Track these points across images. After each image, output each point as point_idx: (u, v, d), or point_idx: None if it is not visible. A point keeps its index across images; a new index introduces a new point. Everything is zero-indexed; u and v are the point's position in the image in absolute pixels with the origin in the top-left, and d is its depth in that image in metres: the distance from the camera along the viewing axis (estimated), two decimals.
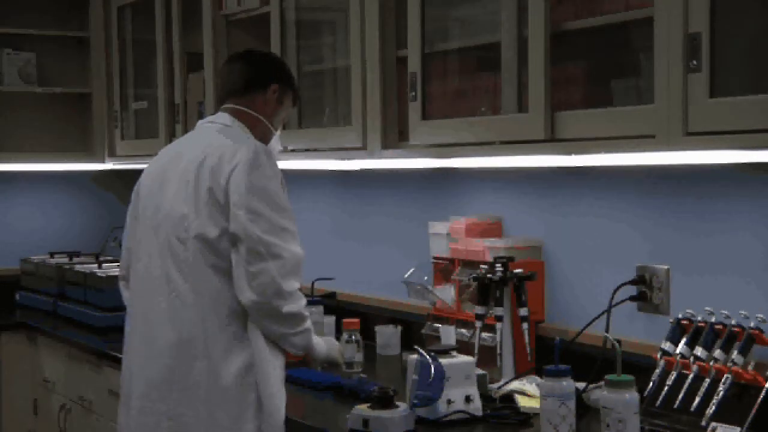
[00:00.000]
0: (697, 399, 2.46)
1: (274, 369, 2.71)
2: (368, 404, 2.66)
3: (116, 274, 3.63)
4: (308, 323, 2.74)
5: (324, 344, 2.88)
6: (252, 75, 2.88)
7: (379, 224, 3.94)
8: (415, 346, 2.76)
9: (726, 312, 2.53)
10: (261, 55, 3.01)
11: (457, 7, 3.26)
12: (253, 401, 2.67)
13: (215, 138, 2.77)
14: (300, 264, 2.68)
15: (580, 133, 2.61)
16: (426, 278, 3.24)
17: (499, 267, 2.99)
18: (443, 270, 3.37)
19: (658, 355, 2.60)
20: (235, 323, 2.67)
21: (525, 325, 2.98)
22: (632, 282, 2.85)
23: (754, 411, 2.36)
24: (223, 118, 2.84)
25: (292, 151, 3.79)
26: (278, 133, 2.97)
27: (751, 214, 2.61)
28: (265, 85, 2.87)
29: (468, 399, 2.68)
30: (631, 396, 2.31)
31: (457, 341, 2.96)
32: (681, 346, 2.57)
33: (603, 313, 2.79)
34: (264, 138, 2.85)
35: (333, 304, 3.91)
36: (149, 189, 2.84)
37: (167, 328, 2.70)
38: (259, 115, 2.86)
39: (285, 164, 3.98)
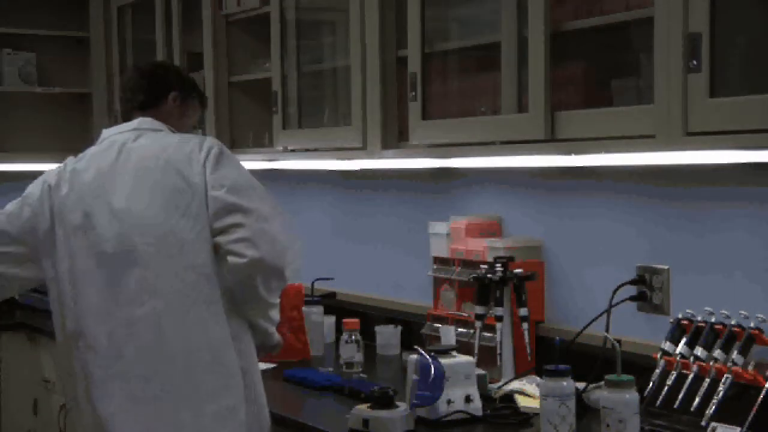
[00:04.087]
0: (697, 399, 2.46)
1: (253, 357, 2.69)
2: (368, 404, 2.66)
3: None
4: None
5: None
6: (151, 88, 2.83)
7: (379, 224, 3.94)
8: (415, 346, 2.76)
9: (726, 312, 2.53)
10: (151, 68, 2.96)
11: (457, 7, 3.26)
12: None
13: (161, 139, 2.71)
14: (282, 219, 2.64)
15: (580, 133, 2.61)
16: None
17: (499, 267, 2.99)
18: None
19: (658, 355, 2.60)
20: (213, 310, 2.59)
21: (525, 325, 2.98)
22: (632, 282, 2.85)
23: (754, 411, 2.35)
24: (151, 123, 2.77)
25: (292, 151, 3.79)
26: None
27: (751, 214, 2.61)
28: (166, 95, 2.82)
29: (468, 399, 2.68)
30: (631, 396, 2.31)
31: (457, 341, 2.96)
32: (681, 346, 2.57)
33: (603, 313, 2.79)
34: None
35: (333, 304, 3.91)
36: (86, 187, 2.68)
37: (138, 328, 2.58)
38: (168, 126, 2.80)
39: (285, 164, 4.00)
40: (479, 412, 2.69)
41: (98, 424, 2.60)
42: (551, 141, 2.68)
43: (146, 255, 2.59)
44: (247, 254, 2.52)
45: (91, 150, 2.81)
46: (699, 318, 2.58)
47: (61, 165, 2.78)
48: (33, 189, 2.76)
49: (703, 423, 2.42)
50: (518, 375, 2.95)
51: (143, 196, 2.62)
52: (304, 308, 3.59)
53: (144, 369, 2.57)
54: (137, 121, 2.78)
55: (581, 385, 2.66)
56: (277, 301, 2.67)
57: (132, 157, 2.68)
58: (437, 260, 3.38)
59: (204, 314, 2.58)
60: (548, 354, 2.67)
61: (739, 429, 2.35)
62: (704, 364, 2.50)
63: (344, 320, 3.47)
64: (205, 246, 2.58)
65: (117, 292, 2.60)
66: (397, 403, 2.65)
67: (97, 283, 2.61)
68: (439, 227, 3.43)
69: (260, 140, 4.12)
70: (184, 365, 2.57)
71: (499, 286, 3.00)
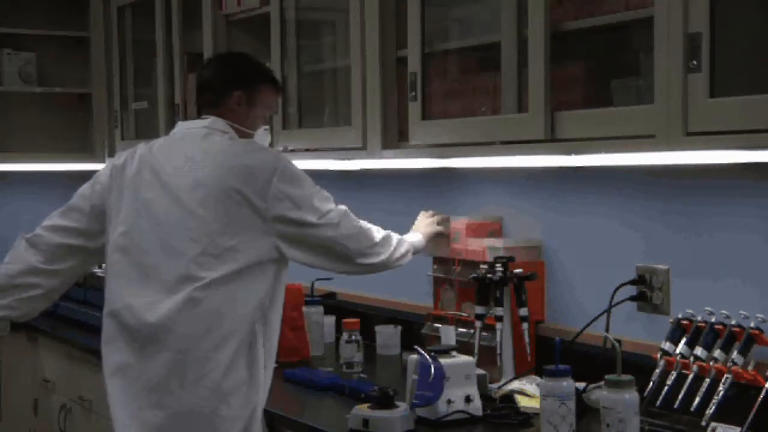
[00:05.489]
0: (697, 399, 2.46)
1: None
2: (368, 404, 2.66)
3: None
4: (394, 239, 3.00)
5: (415, 235, 3.16)
6: (215, 87, 2.85)
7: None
8: (415, 346, 2.76)
9: (726, 312, 2.53)
10: (218, 63, 2.98)
11: (457, 7, 3.26)
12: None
13: (227, 141, 2.76)
14: (348, 214, 2.88)
15: (580, 133, 2.61)
16: None
17: (499, 267, 2.99)
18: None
19: (658, 355, 2.60)
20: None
21: (525, 325, 2.98)
22: (632, 282, 2.85)
23: (754, 411, 2.35)
24: (223, 125, 2.81)
25: (292, 151, 3.79)
26: (263, 128, 2.92)
27: (751, 213, 2.61)
28: (230, 94, 2.83)
29: (468, 399, 2.68)
30: (631, 396, 2.31)
31: (457, 341, 2.96)
32: (681, 346, 2.57)
33: (603, 313, 2.79)
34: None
35: (333, 304, 3.91)
36: (155, 172, 2.77)
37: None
38: (235, 124, 2.83)
39: None
40: (479, 412, 2.69)
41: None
42: (551, 141, 2.68)
43: (178, 250, 2.69)
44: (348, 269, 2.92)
45: (159, 141, 2.89)
46: (699, 318, 2.58)
47: (129, 150, 2.90)
48: (102, 170, 2.92)
49: (703, 423, 2.42)
50: (518, 375, 2.95)
51: (191, 194, 2.68)
52: (304, 308, 3.59)
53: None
54: (210, 120, 2.81)
55: (581, 385, 2.66)
56: (384, 251, 2.96)
57: (199, 154, 2.73)
58: (437, 260, 3.38)
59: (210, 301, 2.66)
60: (548, 354, 2.67)
61: (739, 429, 2.35)
62: (704, 364, 2.50)
63: (344, 320, 3.47)
64: (228, 254, 2.66)
65: (151, 279, 2.72)
66: (397, 403, 2.65)
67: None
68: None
69: None
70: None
71: (499, 286, 3.00)
